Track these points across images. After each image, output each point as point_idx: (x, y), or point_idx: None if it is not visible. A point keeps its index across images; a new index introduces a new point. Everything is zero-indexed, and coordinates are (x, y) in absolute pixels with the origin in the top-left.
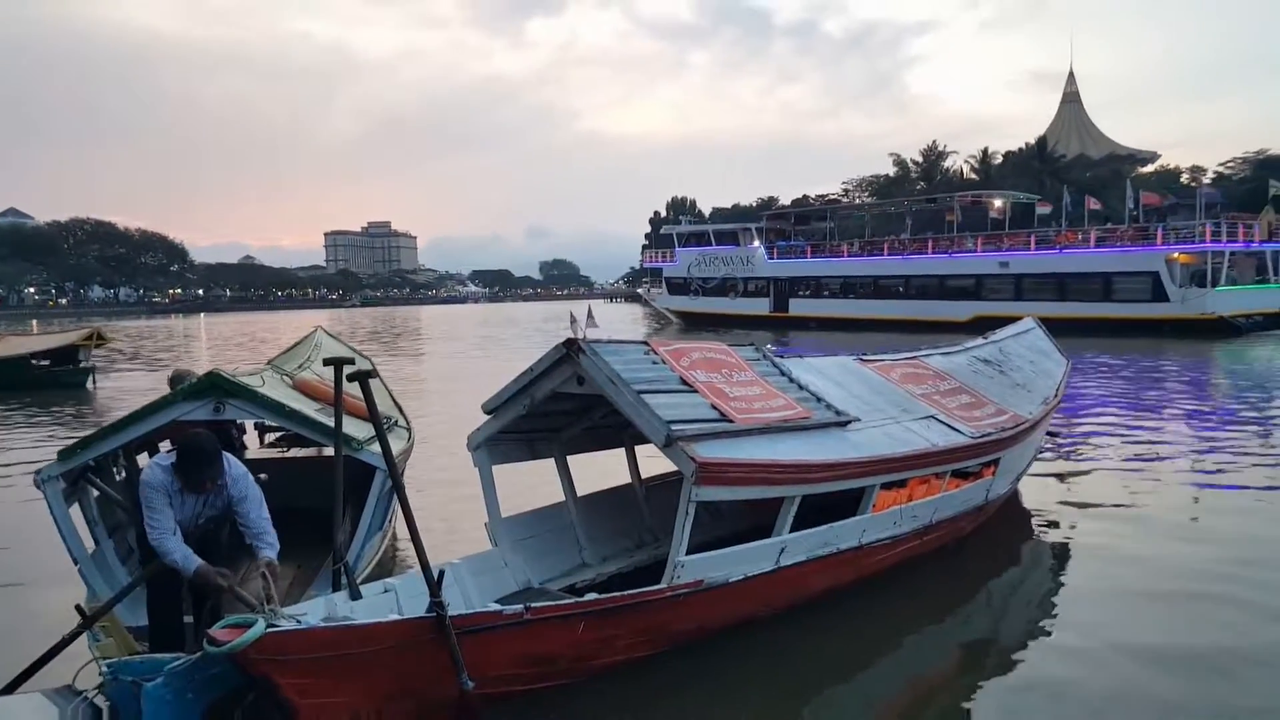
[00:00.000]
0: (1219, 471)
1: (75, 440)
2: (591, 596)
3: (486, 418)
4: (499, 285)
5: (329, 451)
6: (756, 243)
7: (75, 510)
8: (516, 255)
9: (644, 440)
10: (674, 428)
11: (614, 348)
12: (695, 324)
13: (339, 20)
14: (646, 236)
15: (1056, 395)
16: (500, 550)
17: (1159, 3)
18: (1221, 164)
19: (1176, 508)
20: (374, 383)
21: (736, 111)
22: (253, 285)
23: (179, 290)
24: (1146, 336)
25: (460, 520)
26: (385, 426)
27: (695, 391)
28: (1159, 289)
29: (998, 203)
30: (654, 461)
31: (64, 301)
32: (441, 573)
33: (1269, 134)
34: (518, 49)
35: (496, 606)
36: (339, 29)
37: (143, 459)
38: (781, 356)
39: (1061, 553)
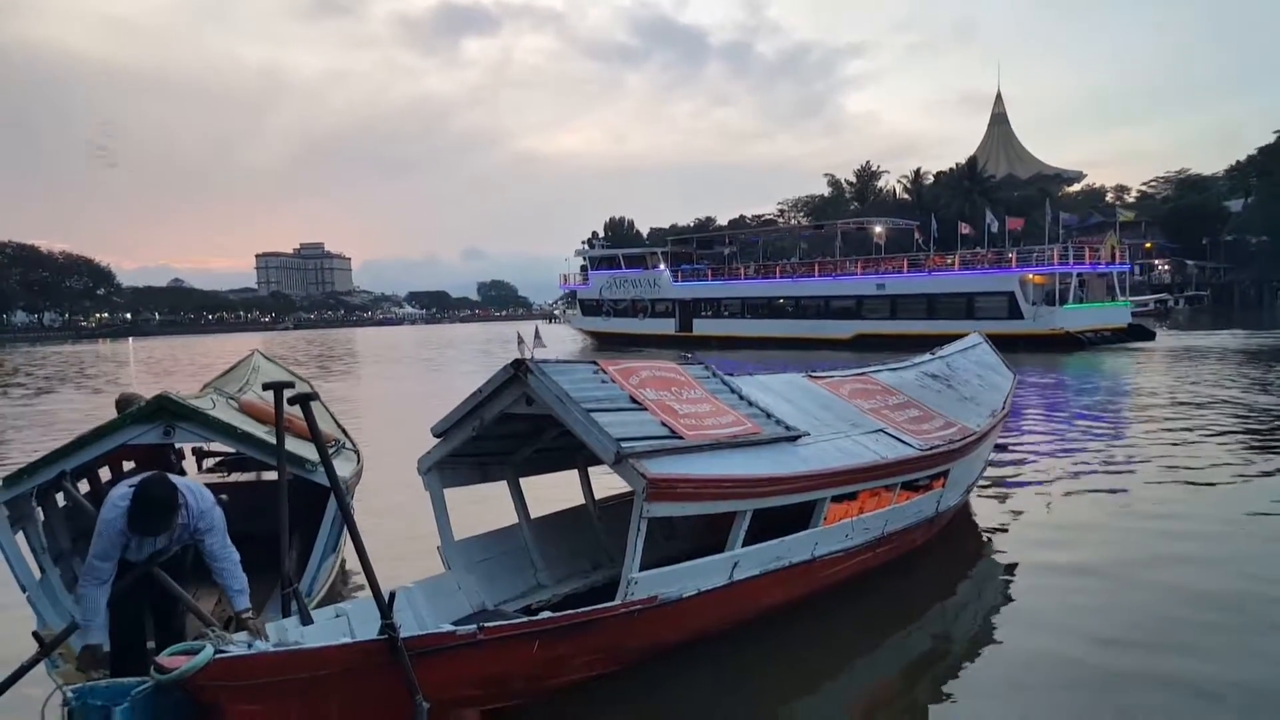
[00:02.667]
0: (1093, 473)
1: (20, 467)
2: (545, 615)
3: (436, 440)
4: (436, 307)
5: (269, 475)
6: (663, 266)
7: (20, 537)
8: (453, 276)
9: (597, 461)
10: (623, 445)
11: (562, 367)
12: (607, 343)
13: (268, 41)
14: (584, 257)
15: (1004, 408)
16: (454, 573)
17: (1084, 30)
18: (1144, 183)
19: (1092, 508)
20: (316, 405)
21: (673, 133)
22: (183, 309)
23: (106, 314)
24: (1004, 350)
25: (410, 544)
26: (332, 449)
27: (645, 409)
28: (1014, 307)
29: (878, 229)
30: (608, 481)
31: None
32: (393, 595)
33: (1188, 155)
34: (451, 69)
35: (450, 627)
36: (268, 49)
37: (84, 486)
38: (731, 374)
39: (1008, 561)
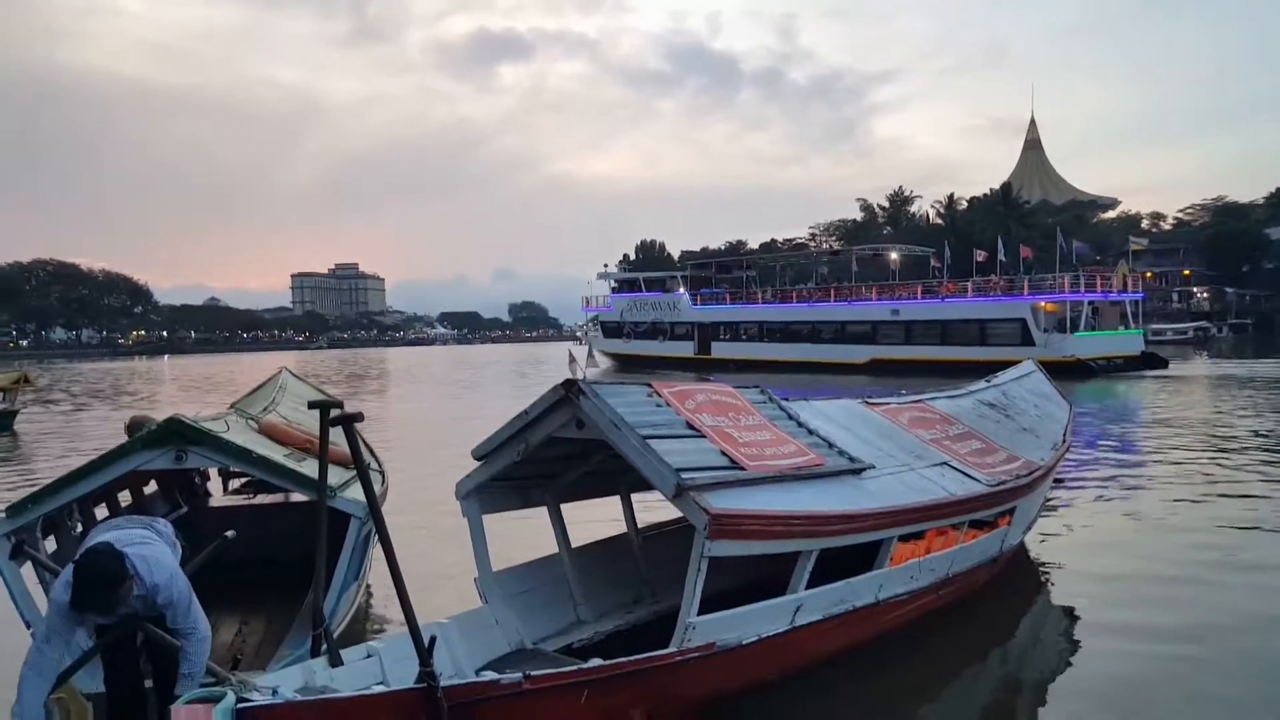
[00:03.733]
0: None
1: (24, 496)
2: (595, 662)
3: (475, 464)
4: (467, 327)
5: (296, 496)
6: (682, 290)
7: (28, 568)
8: (484, 297)
9: (641, 488)
10: (684, 476)
11: (616, 389)
12: (627, 365)
13: (305, 66)
14: (610, 279)
15: (1065, 440)
16: (491, 608)
17: (1118, 53)
18: (1181, 210)
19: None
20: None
21: (704, 157)
22: (218, 327)
23: (143, 332)
24: None
25: (439, 572)
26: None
27: (703, 436)
28: (1026, 334)
29: (894, 255)
30: (650, 511)
31: (25, 343)
32: (433, 640)
33: (1226, 181)
34: (485, 94)
35: (493, 675)
36: (305, 74)
37: (101, 511)
38: (785, 399)
39: (1069, 598)
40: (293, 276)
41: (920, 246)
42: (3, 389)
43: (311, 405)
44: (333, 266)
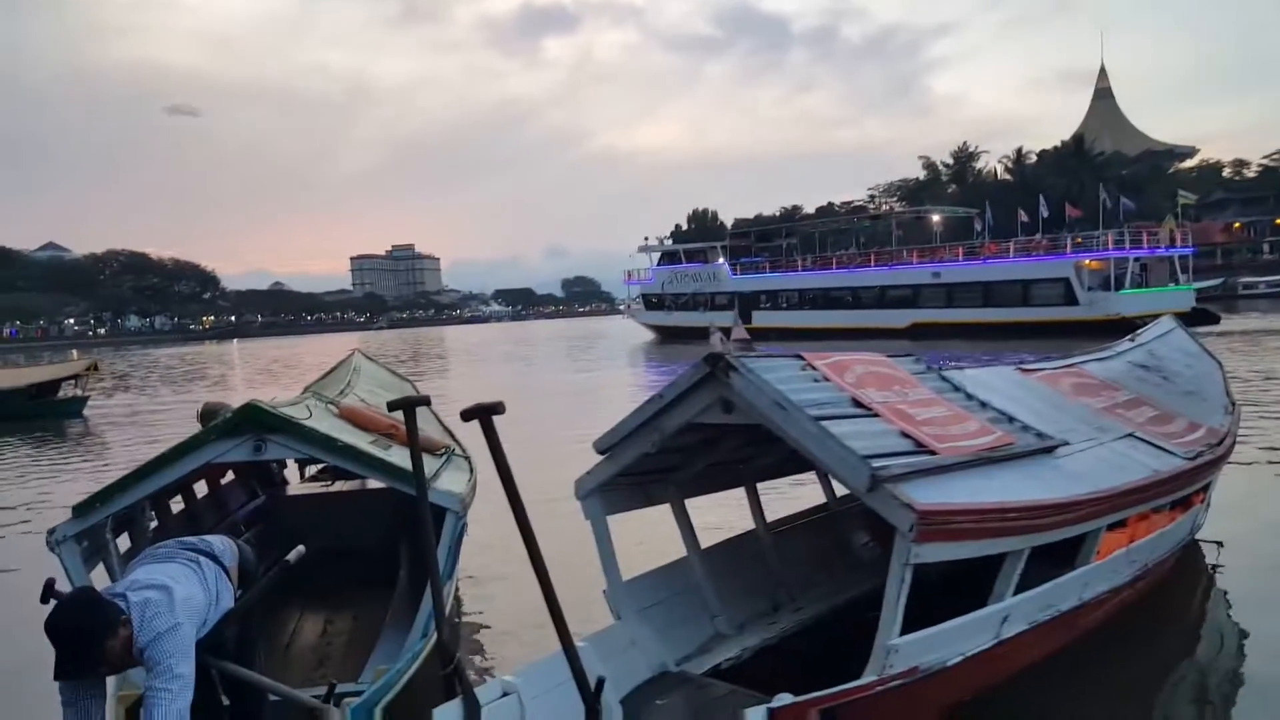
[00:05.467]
0: None
1: (93, 494)
2: (784, 699)
3: (598, 459)
4: (521, 304)
5: (373, 483)
6: (722, 260)
7: (100, 570)
8: (537, 273)
9: (768, 477)
10: (874, 464)
11: (767, 363)
12: (669, 337)
13: (355, 49)
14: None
15: (1234, 403)
16: (625, 625)
17: None
18: (1266, 156)
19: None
20: (421, 410)
21: (756, 122)
22: (282, 311)
23: (212, 317)
24: (1059, 337)
25: (522, 572)
26: (441, 456)
27: (875, 415)
28: (1070, 293)
29: (935, 217)
30: (776, 503)
31: (102, 331)
32: (601, 682)
33: None
34: (533, 69)
35: None
36: (356, 57)
37: (176, 504)
38: (937, 367)
39: (1241, 585)
40: (351, 259)
41: (964, 208)
42: (74, 376)
43: (393, 406)
44: (390, 248)
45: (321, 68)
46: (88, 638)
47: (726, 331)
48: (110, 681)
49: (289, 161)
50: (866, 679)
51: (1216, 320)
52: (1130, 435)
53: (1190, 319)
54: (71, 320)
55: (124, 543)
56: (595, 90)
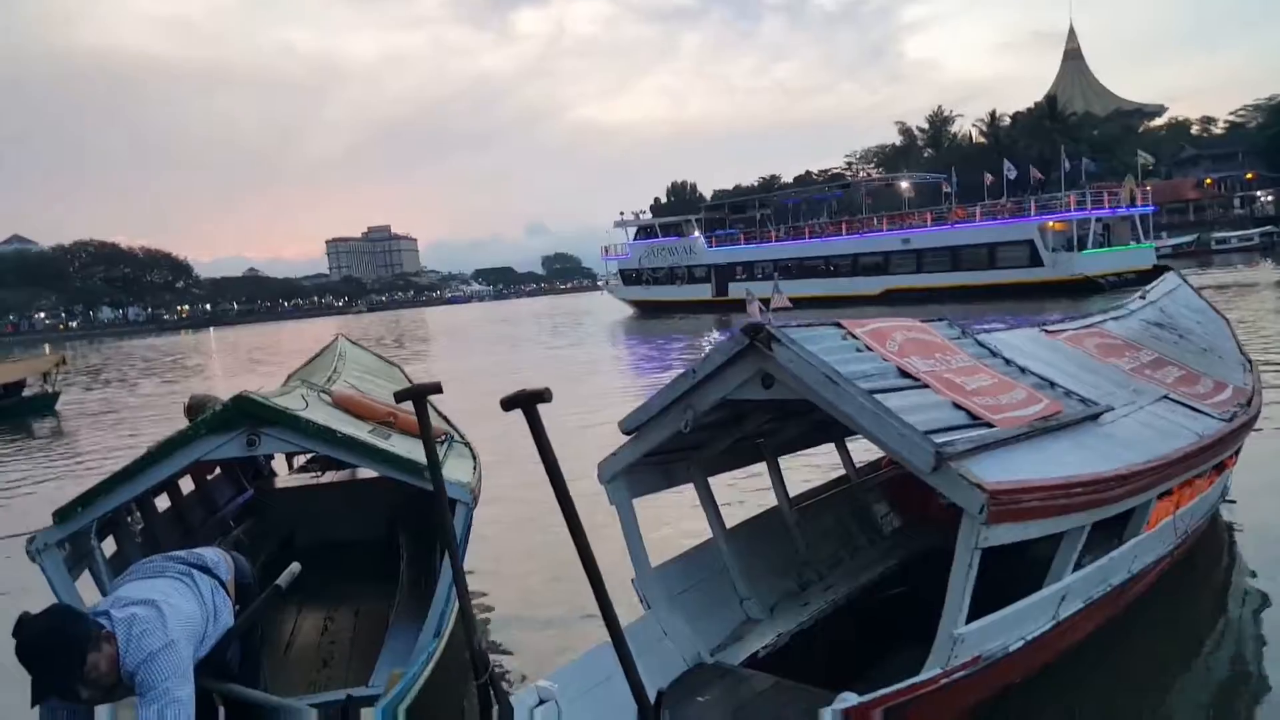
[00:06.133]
0: None
1: (75, 498)
2: (848, 699)
3: (624, 439)
4: (502, 283)
5: (365, 472)
6: (697, 233)
7: (86, 578)
8: (518, 252)
9: (789, 450)
10: (937, 441)
11: (809, 334)
12: (648, 311)
13: (321, 29)
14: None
15: (1250, 361)
16: (656, 615)
17: None
18: (1233, 113)
19: None
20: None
21: (732, 93)
22: (259, 297)
23: (187, 307)
24: (1026, 298)
25: (534, 563)
26: (441, 443)
27: (925, 386)
28: (1034, 255)
29: (904, 184)
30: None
31: (74, 324)
32: (660, 698)
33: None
34: (505, 44)
35: None
36: (322, 38)
37: (162, 501)
38: (972, 331)
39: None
40: (327, 242)
41: (932, 174)
42: (43, 373)
43: (402, 396)
44: (366, 230)
45: (287, 48)
46: (63, 650)
47: (766, 301)
48: (102, 712)
49: (261, 146)
50: (931, 672)
51: None
52: (1165, 398)
53: (1152, 276)
54: (42, 314)
55: (109, 547)
56: (570, 64)
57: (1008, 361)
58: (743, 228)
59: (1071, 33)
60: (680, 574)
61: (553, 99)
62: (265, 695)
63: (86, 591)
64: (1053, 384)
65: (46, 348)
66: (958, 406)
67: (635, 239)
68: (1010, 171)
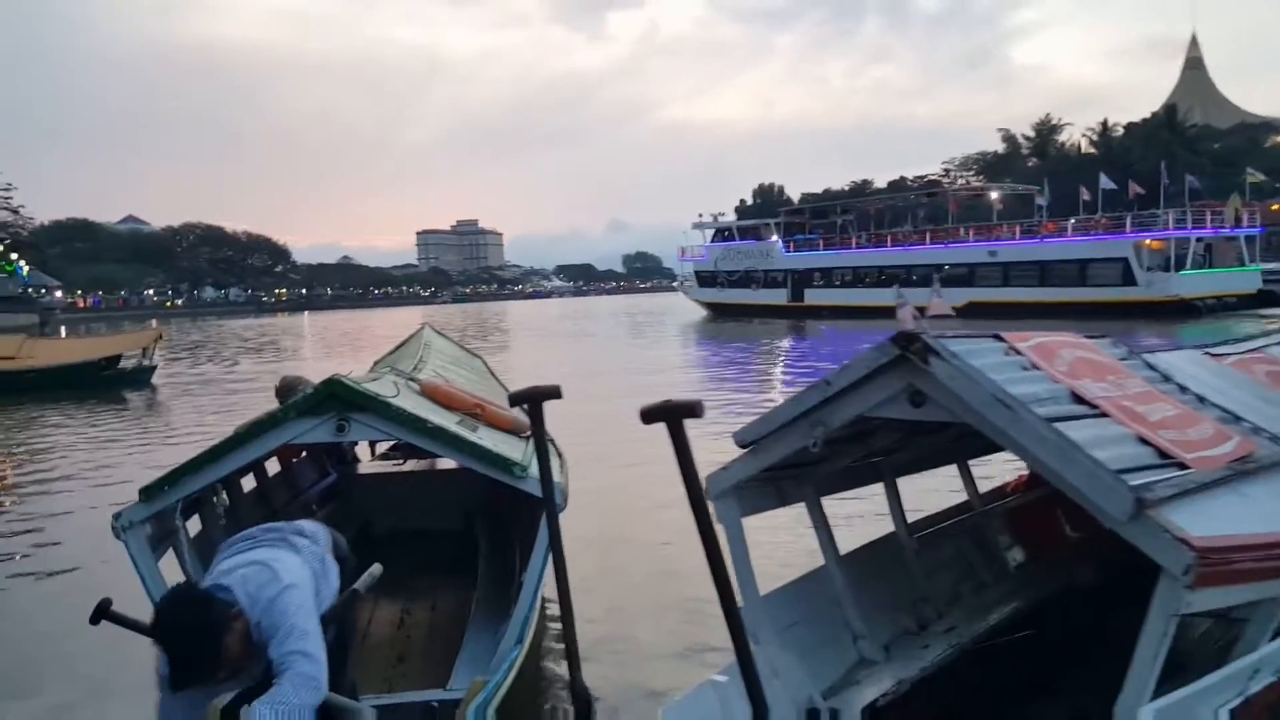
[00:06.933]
0: None
1: (160, 476)
2: None
3: (739, 453)
4: (582, 279)
5: (445, 462)
6: (775, 237)
7: (170, 558)
8: (598, 249)
9: (910, 471)
10: (1131, 483)
11: (968, 346)
12: (722, 314)
13: (424, 23)
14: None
15: None
16: (765, 651)
17: None
18: None
19: None
20: (490, 382)
21: (826, 94)
22: (351, 284)
23: (284, 291)
24: (1117, 318)
25: (621, 582)
26: (526, 438)
27: (1105, 416)
28: (1128, 274)
29: (994, 195)
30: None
31: (180, 302)
32: None
33: None
34: (598, 42)
35: None
36: (425, 32)
37: (248, 481)
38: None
39: None
40: (417, 234)
41: (1024, 185)
42: (142, 348)
43: (518, 399)
44: (455, 223)
45: (391, 40)
46: (203, 636)
47: (922, 309)
48: None
49: (360, 137)
50: None
51: None
52: None
53: (1256, 301)
54: (151, 291)
55: (193, 526)
56: (661, 63)
57: (1183, 389)
58: (823, 233)
59: (1194, 41)
60: (789, 605)
61: (643, 97)
62: (348, 701)
63: (169, 573)
64: (1238, 418)
65: (154, 322)
66: (1143, 441)
67: (712, 241)
68: (1106, 184)
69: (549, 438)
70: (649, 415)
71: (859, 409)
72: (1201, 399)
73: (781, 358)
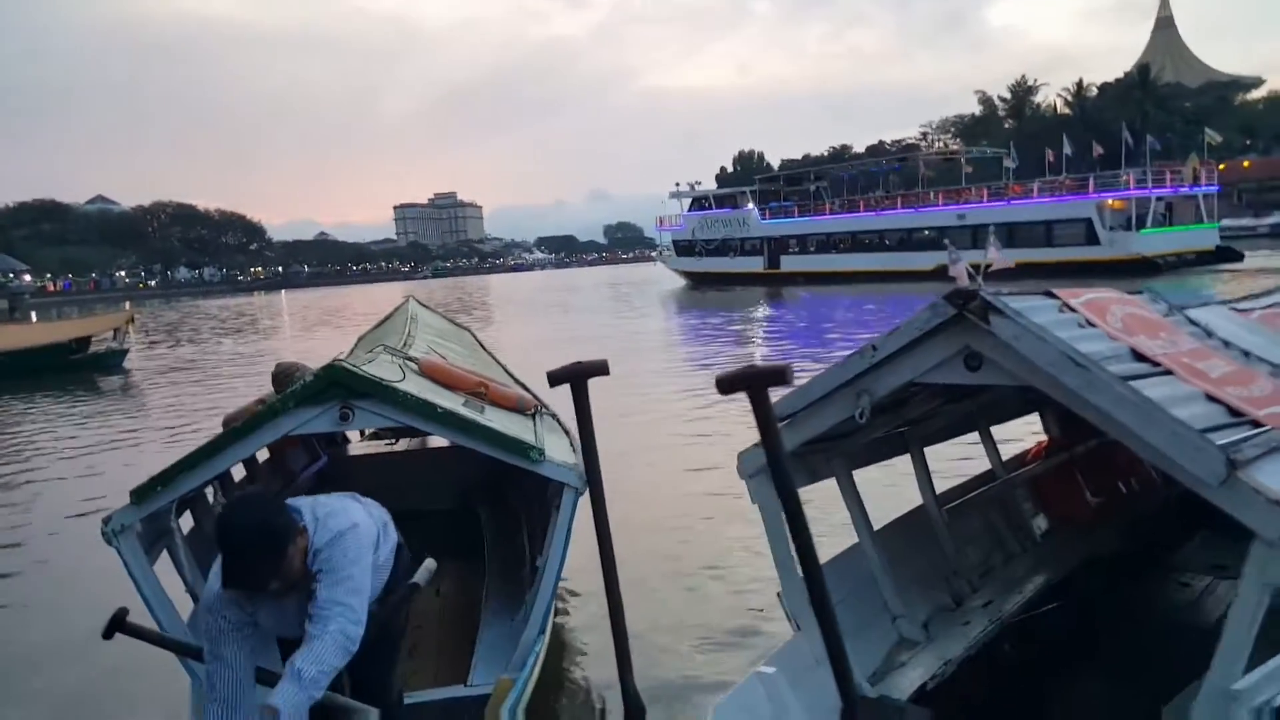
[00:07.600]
0: None
1: (154, 475)
2: None
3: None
4: (564, 251)
5: (436, 440)
6: (751, 205)
7: (165, 560)
8: (579, 220)
9: (935, 440)
10: (1219, 442)
11: (1027, 303)
12: (700, 282)
13: None
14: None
15: None
16: (807, 636)
17: None
18: None
19: None
20: (483, 357)
21: (804, 59)
22: (329, 261)
23: (260, 268)
24: (1081, 277)
25: (653, 567)
26: (532, 415)
27: (1170, 373)
28: (1091, 233)
29: (964, 159)
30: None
31: (153, 283)
32: None
33: None
34: (575, 9)
35: None
36: (397, 2)
37: (237, 471)
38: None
39: None
40: (395, 208)
41: (992, 148)
42: (113, 329)
43: (554, 380)
44: (432, 196)
45: (363, 12)
46: (270, 537)
47: (978, 268)
48: None
49: (331, 110)
50: None
51: (1240, 258)
52: None
53: (1214, 257)
54: (123, 273)
55: (186, 521)
56: (639, 30)
57: (1227, 344)
58: (798, 200)
59: (1164, 1)
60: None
61: (621, 65)
62: (335, 695)
63: (165, 578)
64: None
65: (127, 304)
66: (1212, 399)
67: (690, 210)
68: (1069, 148)
69: (552, 413)
70: (728, 384)
71: (909, 375)
72: (1247, 354)
73: (761, 326)
